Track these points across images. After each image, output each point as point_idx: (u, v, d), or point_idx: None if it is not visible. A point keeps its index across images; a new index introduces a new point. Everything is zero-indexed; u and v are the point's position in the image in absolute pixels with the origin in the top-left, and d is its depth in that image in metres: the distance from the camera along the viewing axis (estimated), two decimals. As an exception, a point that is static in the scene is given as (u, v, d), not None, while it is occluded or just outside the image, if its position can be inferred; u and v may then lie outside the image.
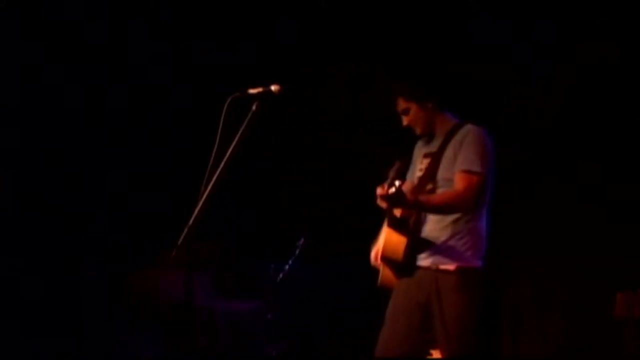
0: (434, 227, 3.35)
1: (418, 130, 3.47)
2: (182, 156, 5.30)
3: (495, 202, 3.44)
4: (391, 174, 3.22)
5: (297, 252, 5.06)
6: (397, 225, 3.35)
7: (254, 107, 2.73)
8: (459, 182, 3.25)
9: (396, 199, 3.08)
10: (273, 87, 2.74)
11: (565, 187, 4.86)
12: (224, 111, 2.72)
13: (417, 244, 3.34)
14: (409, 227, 3.35)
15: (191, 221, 2.61)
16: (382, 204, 3.22)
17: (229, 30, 5.40)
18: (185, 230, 2.60)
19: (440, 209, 3.30)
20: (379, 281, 3.51)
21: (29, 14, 5.03)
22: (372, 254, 3.52)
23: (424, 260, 3.35)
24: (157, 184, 5.51)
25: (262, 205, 5.87)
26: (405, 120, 3.47)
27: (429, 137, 3.47)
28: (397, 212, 3.37)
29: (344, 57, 5.44)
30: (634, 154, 4.66)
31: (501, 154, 3.45)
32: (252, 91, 2.75)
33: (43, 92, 5.25)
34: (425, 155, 3.47)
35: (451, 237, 3.31)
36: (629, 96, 4.72)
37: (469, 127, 3.37)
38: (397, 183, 3.02)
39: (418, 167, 3.49)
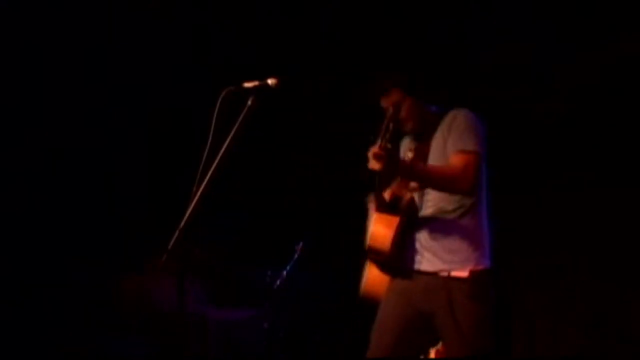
0: (432, 214, 3.18)
1: (410, 126, 3.29)
2: (179, 156, 5.26)
3: (507, 203, 3.36)
4: (382, 129, 2.97)
5: (296, 257, 4.97)
6: (388, 207, 3.17)
7: (249, 102, 2.60)
8: (455, 162, 3.09)
9: (390, 156, 2.90)
10: (270, 81, 2.61)
11: (575, 188, 4.88)
12: (217, 106, 2.59)
13: (410, 223, 3.15)
14: (401, 206, 3.18)
15: (182, 224, 2.47)
16: (375, 165, 2.93)
17: (229, 29, 5.35)
18: (177, 233, 2.46)
19: (435, 181, 3.12)
20: (362, 288, 3.35)
21: (29, 13, 5.00)
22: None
23: (429, 264, 3.18)
24: (153, 184, 5.52)
25: (258, 206, 5.80)
26: (394, 115, 3.12)
27: (416, 133, 3.32)
28: (387, 195, 3.22)
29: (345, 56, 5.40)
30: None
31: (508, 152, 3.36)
32: (247, 85, 2.63)
33: (43, 92, 5.23)
34: (411, 150, 3.33)
35: (456, 236, 3.15)
36: (630, 96, 4.74)
37: (455, 112, 3.23)
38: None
39: None
